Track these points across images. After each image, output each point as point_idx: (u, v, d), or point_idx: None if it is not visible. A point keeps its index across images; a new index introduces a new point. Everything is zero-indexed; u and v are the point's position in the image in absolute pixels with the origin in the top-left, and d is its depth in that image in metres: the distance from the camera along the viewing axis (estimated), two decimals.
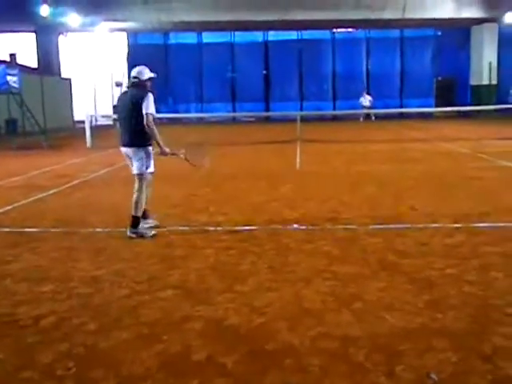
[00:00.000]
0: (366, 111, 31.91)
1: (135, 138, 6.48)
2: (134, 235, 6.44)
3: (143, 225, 6.68)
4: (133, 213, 6.49)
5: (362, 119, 32.73)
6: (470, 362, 3.36)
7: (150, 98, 6.40)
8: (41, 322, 4.10)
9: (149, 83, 6.62)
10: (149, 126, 6.35)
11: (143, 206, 6.58)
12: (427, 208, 7.79)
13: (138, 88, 6.54)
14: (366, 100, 33.73)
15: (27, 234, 6.88)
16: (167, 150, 6.64)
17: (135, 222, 6.50)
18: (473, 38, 34.82)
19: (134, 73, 6.61)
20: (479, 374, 3.22)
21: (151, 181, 6.82)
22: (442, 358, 3.39)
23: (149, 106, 6.36)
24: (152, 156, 6.65)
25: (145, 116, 6.34)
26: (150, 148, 6.59)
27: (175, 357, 3.51)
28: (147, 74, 6.61)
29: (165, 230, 6.79)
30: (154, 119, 6.46)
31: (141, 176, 6.55)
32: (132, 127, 6.47)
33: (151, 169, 6.69)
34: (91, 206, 8.47)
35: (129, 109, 6.48)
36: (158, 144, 6.57)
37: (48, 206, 8.68)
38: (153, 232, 6.56)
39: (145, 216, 6.75)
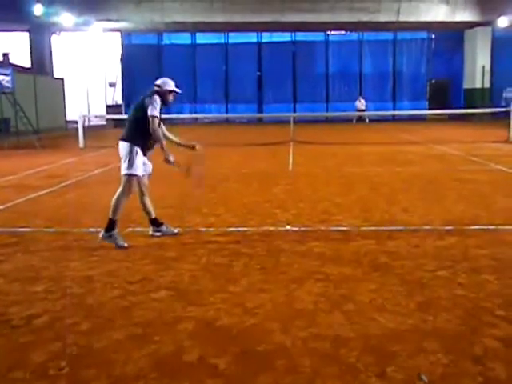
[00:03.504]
0: (360, 114, 32.04)
1: (128, 132, 6.25)
2: (105, 240, 6.15)
3: (155, 233, 6.59)
4: (110, 215, 6.20)
5: (354, 121, 32.92)
6: (460, 363, 3.38)
7: (157, 100, 6.12)
8: (33, 321, 4.10)
9: (169, 96, 6.34)
10: (153, 130, 6.04)
11: (121, 209, 6.23)
12: (419, 210, 7.83)
13: (154, 93, 6.24)
14: (361, 104, 33.86)
15: (20, 233, 6.87)
16: (171, 158, 6.20)
17: (109, 224, 6.17)
18: (466, 41, 34.99)
19: (157, 81, 6.36)
20: (470, 375, 3.24)
21: (147, 186, 6.52)
22: (432, 360, 3.42)
23: (154, 109, 6.07)
24: (138, 157, 6.20)
25: (149, 119, 6.04)
26: (137, 148, 6.17)
27: (167, 357, 3.52)
28: (171, 86, 6.34)
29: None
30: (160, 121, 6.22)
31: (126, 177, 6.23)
32: (130, 124, 6.27)
33: (139, 171, 6.25)
34: (84, 206, 8.46)
35: (135, 108, 6.30)
36: (162, 149, 6.19)
37: (41, 205, 8.66)
38: (125, 244, 6.17)
39: (157, 224, 6.60)
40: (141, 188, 6.44)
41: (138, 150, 6.20)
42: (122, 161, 6.25)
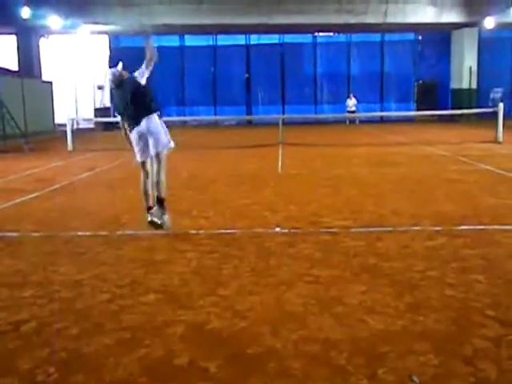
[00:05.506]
0: (349, 116, 32.09)
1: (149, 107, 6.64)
2: (158, 221, 6.51)
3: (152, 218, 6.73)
4: (162, 195, 6.55)
5: (348, 122, 32.99)
6: (451, 364, 3.38)
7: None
8: (21, 327, 4.06)
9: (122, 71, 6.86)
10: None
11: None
12: (408, 211, 7.85)
13: (129, 79, 6.81)
14: (352, 102, 33.84)
15: (7, 238, 6.82)
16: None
17: (162, 204, 6.59)
18: (453, 42, 35.13)
19: (111, 76, 6.82)
20: (460, 376, 3.25)
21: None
22: (423, 361, 3.42)
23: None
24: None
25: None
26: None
27: (157, 361, 3.50)
28: (112, 73, 6.85)
29: (148, 233, 6.76)
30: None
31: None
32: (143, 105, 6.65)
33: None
34: (72, 210, 8.41)
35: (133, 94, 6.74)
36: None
37: (28, 209, 8.60)
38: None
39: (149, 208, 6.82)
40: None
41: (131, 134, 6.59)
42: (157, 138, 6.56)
